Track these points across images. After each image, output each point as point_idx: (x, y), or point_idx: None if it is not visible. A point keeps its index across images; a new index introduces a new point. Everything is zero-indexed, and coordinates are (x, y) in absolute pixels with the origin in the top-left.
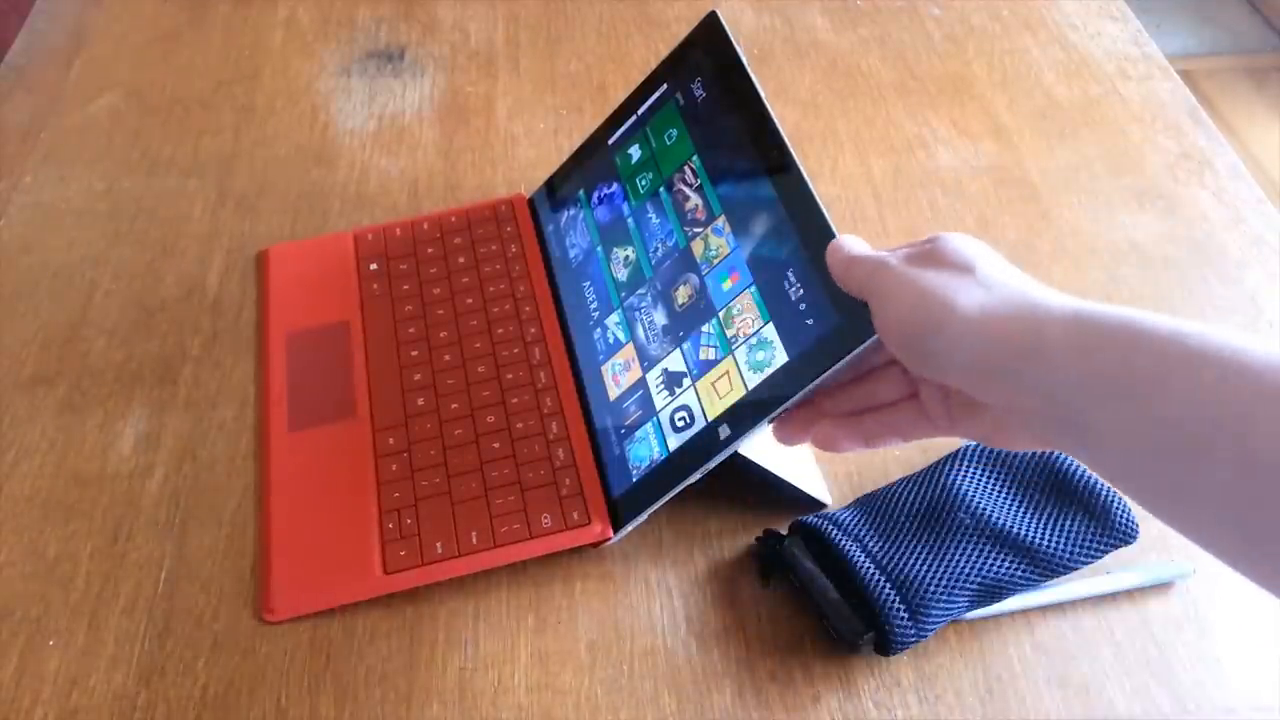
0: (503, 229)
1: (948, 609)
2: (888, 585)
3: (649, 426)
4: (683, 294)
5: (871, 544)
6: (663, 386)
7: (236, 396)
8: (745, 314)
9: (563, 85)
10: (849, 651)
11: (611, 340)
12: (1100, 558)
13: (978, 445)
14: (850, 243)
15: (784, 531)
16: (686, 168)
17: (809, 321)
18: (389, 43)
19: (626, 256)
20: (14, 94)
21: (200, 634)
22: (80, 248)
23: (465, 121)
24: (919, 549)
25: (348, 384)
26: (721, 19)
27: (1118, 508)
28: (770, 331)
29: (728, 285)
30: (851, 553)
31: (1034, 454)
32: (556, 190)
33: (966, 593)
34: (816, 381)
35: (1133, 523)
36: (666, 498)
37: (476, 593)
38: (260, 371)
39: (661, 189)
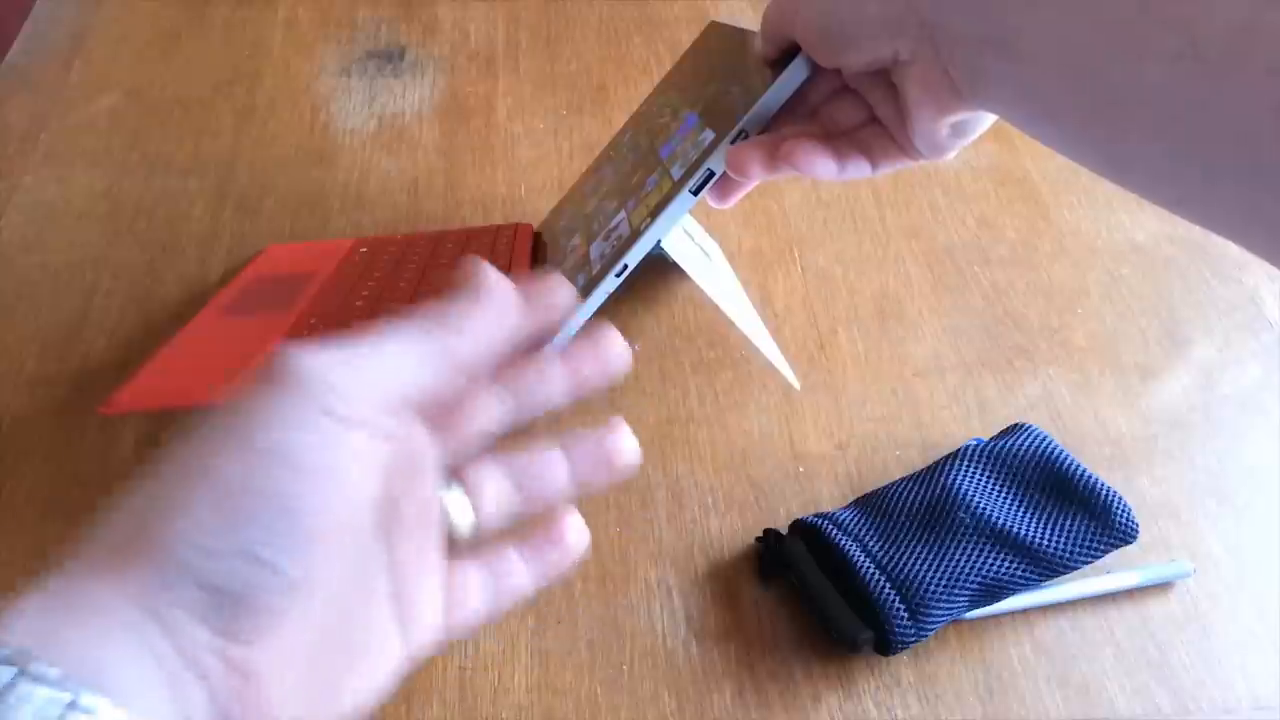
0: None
1: (948, 609)
2: (888, 585)
3: (578, 280)
4: (638, 176)
5: (871, 544)
6: (601, 241)
7: None
8: (685, 142)
9: (563, 85)
10: (849, 651)
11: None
12: (1100, 558)
13: (978, 445)
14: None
15: (784, 531)
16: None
17: (739, 103)
18: (389, 43)
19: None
20: (14, 94)
21: None
22: (80, 248)
23: (465, 121)
24: (919, 549)
25: (293, 294)
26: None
27: (1118, 508)
28: (706, 136)
29: (678, 140)
30: (851, 552)
31: (1034, 454)
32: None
33: (966, 593)
34: (749, 114)
35: (1133, 523)
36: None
37: None
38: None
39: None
